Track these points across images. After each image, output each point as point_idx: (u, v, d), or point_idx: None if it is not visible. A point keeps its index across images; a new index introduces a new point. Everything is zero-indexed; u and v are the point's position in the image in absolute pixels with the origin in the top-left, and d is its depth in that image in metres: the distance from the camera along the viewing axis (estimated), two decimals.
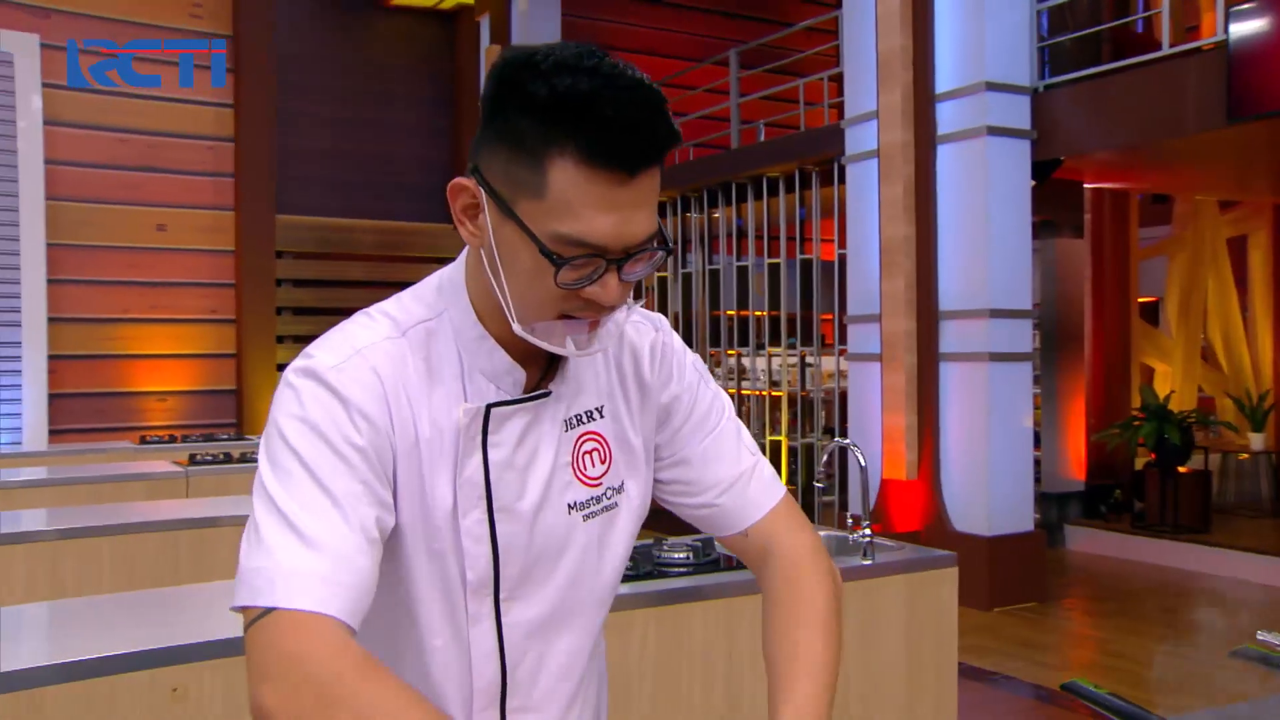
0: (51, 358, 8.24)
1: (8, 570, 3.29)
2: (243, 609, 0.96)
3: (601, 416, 1.19)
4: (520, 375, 1.12)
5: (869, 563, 3.12)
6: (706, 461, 1.25)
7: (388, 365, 1.06)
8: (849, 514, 3.29)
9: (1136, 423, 8.11)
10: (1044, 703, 4.81)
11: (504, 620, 1.13)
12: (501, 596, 1.12)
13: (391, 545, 1.07)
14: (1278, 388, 9.61)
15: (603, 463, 1.18)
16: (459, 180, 1.04)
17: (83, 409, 8.50)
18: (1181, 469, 7.96)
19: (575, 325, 1.04)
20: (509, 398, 1.11)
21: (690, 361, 1.28)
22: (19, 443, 7.83)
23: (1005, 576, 6.45)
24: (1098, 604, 6.79)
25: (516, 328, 1.04)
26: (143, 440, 6.95)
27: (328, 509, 0.98)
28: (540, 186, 0.97)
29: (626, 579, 2.77)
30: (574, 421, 1.16)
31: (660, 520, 1.46)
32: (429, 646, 1.12)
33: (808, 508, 8.31)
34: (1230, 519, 8.49)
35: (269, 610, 0.94)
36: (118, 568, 3.44)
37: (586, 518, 1.16)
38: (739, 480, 1.25)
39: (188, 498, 4.93)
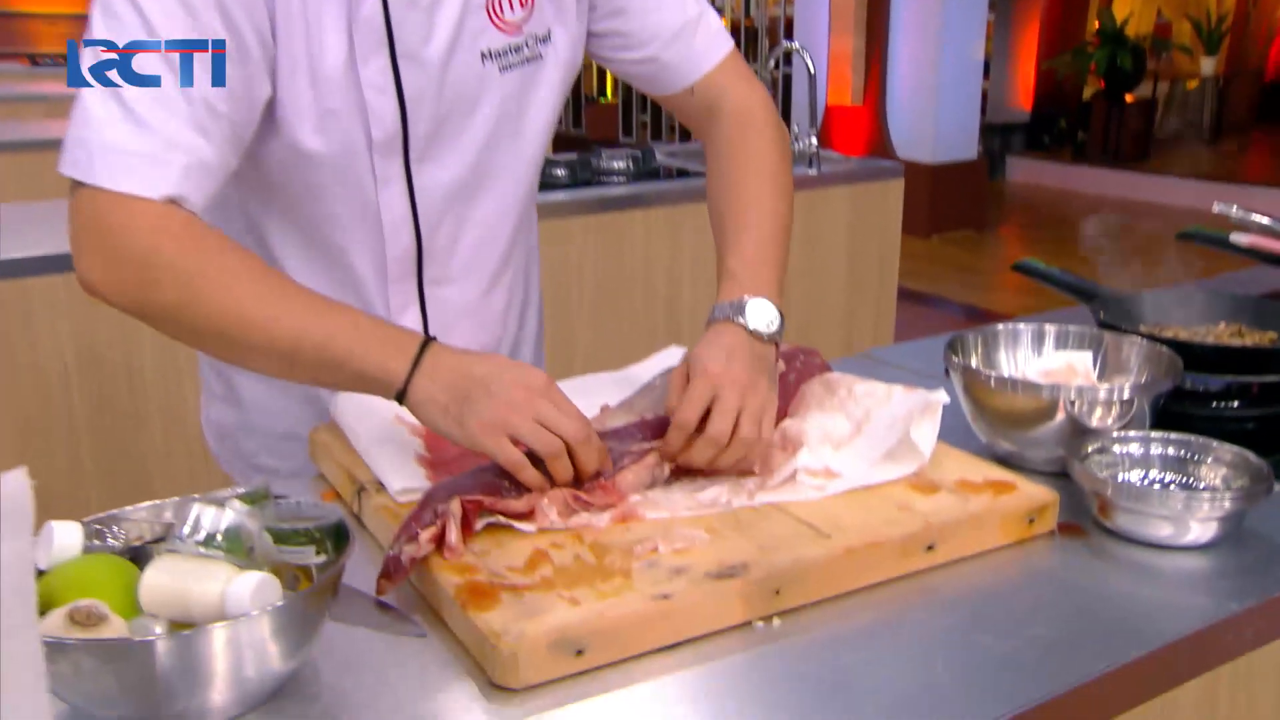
0: None
1: None
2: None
3: None
4: None
5: (814, 173, 3.06)
6: (647, 10, 1.12)
7: None
8: (794, 128, 3.19)
9: (1090, 49, 7.94)
10: (976, 319, 4.99)
11: (415, 183, 1.05)
12: (412, 157, 1.03)
13: (274, 109, 0.96)
14: (1238, 8, 9.39)
15: (523, 6, 1.04)
16: None
17: None
18: (1129, 97, 7.90)
19: None
20: None
21: None
22: None
23: (946, 204, 6.52)
24: (1034, 230, 6.94)
25: None
26: (33, 61, 6.49)
27: (161, 71, 0.87)
28: None
29: (564, 186, 2.69)
30: None
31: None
32: (332, 215, 1.04)
33: None
34: (1170, 147, 8.56)
35: (91, 185, 0.87)
36: (16, 182, 3.31)
37: (504, 69, 1.05)
38: (683, 31, 1.14)
39: None
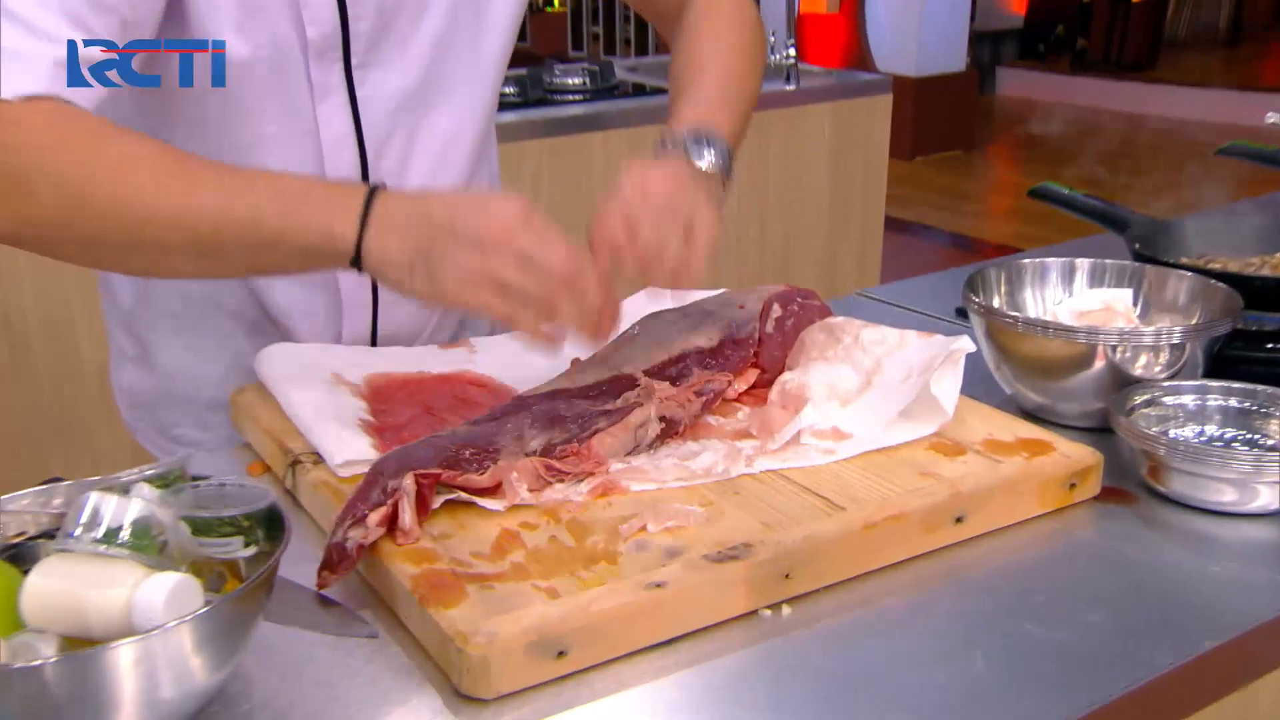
0: None
1: None
2: None
3: None
4: None
5: (792, 88, 3.00)
6: None
7: None
8: (770, 34, 3.12)
9: None
10: (964, 250, 4.98)
11: (359, 93, 0.98)
12: (354, 62, 0.97)
13: (183, 6, 0.89)
14: None
15: None
16: None
17: None
18: None
19: None
20: None
21: None
22: None
23: (931, 122, 6.48)
24: (1029, 150, 6.93)
25: None
26: None
27: None
28: None
29: (513, 105, 2.61)
30: None
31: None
32: (262, 136, 0.97)
33: None
34: (1180, 53, 8.54)
35: None
36: None
37: None
38: None
39: None
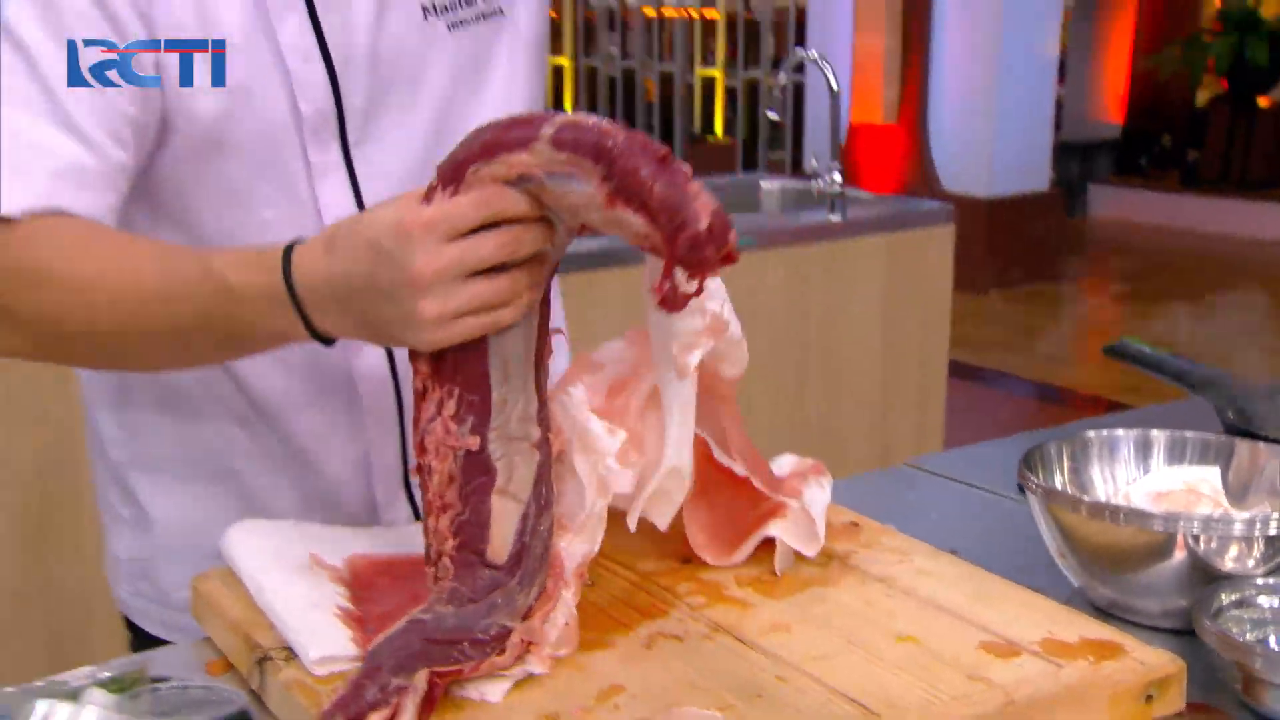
0: None
1: None
2: None
3: None
4: None
5: (838, 219, 3.13)
6: None
7: None
8: (810, 157, 3.28)
9: (1208, 38, 8.04)
10: (1049, 402, 5.06)
11: (359, 171, 1.11)
12: (351, 139, 1.09)
13: (169, 109, 1.04)
14: None
15: None
16: None
17: None
18: (1262, 101, 7.99)
19: None
20: None
21: None
22: None
23: (1008, 251, 6.62)
24: (1128, 283, 7.05)
25: None
26: None
27: (23, 79, 0.98)
28: None
29: None
30: None
31: None
32: (263, 221, 1.09)
33: (751, 162, 8.31)
34: None
35: None
36: None
37: (453, 26, 1.12)
38: None
39: None
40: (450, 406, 0.93)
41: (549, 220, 0.90)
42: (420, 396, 0.94)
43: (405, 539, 1.12)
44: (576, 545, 0.96)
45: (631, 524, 1.00)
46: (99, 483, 1.27)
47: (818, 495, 1.07)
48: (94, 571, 1.34)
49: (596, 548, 0.96)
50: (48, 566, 2.19)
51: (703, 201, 0.83)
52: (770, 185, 3.54)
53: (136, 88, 1.02)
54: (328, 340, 0.93)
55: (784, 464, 1.12)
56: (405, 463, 1.20)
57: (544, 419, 0.96)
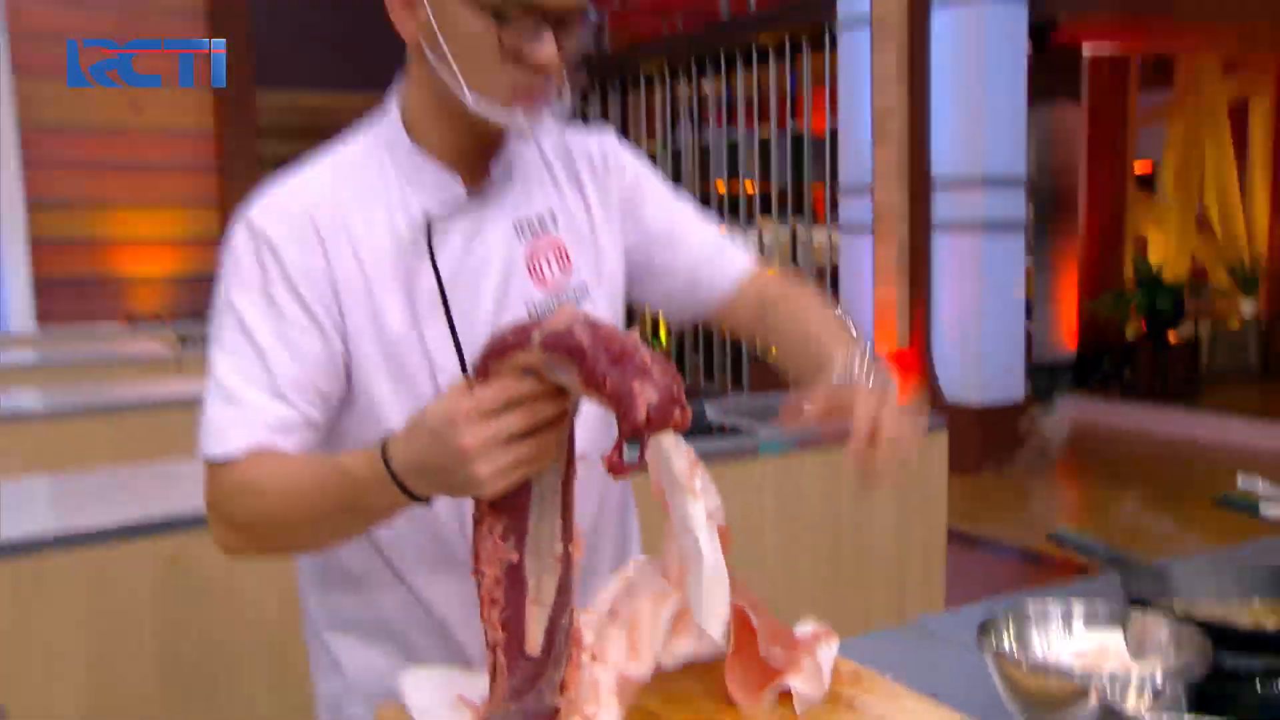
0: (35, 241, 8.15)
1: (7, 448, 3.32)
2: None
3: (554, 221, 1.21)
4: (457, 187, 1.15)
5: None
6: (681, 235, 1.32)
7: (316, 200, 1.11)
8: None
9: (1128, 292, 8.14)
10: (1029, 563, 4.94)
11: None
12: None
13: (350, 372, 1.12)
14: (1272, 255, 9.60)
15: (561, 268, 1.20)
16: None
17: (68, 293, 8.45)
18: (1172, 338, 8.02)
19: (522, 94, 1.08)
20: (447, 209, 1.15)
21: (638, 168, 1.33)
22: (4, 329, 7.80)
23: (994, 444, 6.55)
24: (1085, 468, 6.92)
25: (468, 99, 1.08)
26: (131, 322, 6.93)
27: (250, 360, 1.07)
28: None
29: None
30: (524, 227, 1.19)
31: None
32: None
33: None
34: (1219, 386, 8.58)
35: (208, 459, 1.08)
36: (114, 445, 3.48)
37: None
38: (717, 247, 1.33)
39: (180, 376, 4.95)
40: (499, 529, 0.96)
41: (561, 388, 0.91)
42: (478, 522, 0.97)
43: None
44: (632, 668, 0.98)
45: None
46: (307, 636, 1.31)
47: (826, 654, 1.09)
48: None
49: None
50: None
51: (645, 395, 0.84)
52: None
53: (329, 370, 1.10)
54: (425, 500, 0.97)
55: (804, 629, 1.14)
56: None
57: (567, 534, 0.97)
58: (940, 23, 6.59)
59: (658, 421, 0.84)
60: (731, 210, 9.16)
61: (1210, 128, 9.36)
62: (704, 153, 9.33)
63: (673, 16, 10.05)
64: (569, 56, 1.10)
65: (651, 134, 9.92)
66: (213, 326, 1.11)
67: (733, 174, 9.09)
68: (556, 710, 0.94)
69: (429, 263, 1.13)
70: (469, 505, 1.16)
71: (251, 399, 1.06)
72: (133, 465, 2.64)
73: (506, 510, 0.96)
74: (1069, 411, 8.27)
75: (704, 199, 9.34)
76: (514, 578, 0.96)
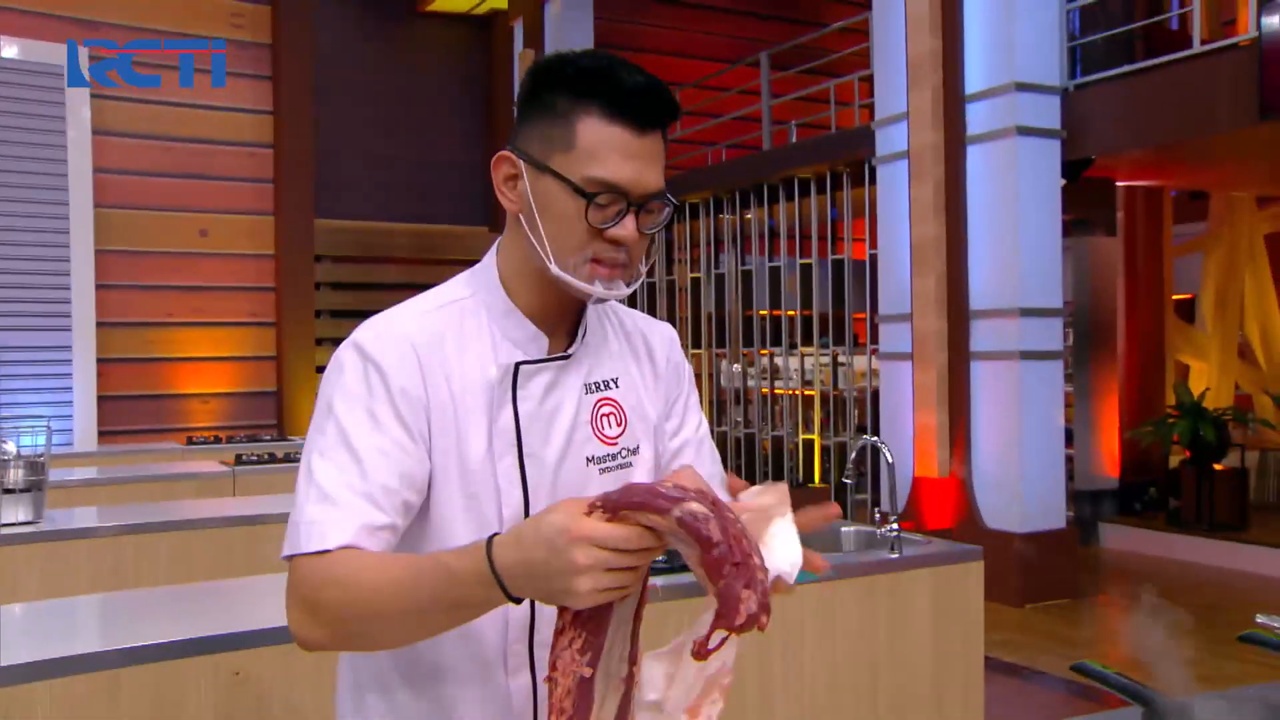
0: (100, 361, 8.47)
1: (73, 564, 3.45)
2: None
3: (617, 387, 1.36)
4: (544, 342, 1.31)
5: (896, 556, 3.20)
6: (678, 426, 1.45)
7: (421, 335, 1.25)
8: (878, 510, 3.37)
9: (1171, 420, 8.11)
10: (1074, 695, 4.86)
11: None
12: None
13: (430, 492, 1.24)
14: None
15: (618, 426, 1.34)
16: (501, 153, 1.27)
17: (130, 410, 8.74)
18: (1217, 466, 7.95)
19: (602, 269, 1.23)
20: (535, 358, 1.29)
21: (689, 372, 1.48)
22: (69, 444, 8.06)
23: (1037, 573, 6.49)
24: (1130, 600, 6.81)
25: (554, 268, 1.23)
26: (190, 441, 7.15)
27: (350, 467, 1.18)
28: (570, 140, 1.20)
29: (661, 571, 2.87)
30: (593, 387, 1.34)
31: None
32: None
33: (840, 502, 8.36)
34: (1269, 516, 8.46)
35: (294, 556, 1.16)
36: (175, 562, 3.60)
37: (603, 471, 1.31)
38: (697, 446, 1.45)
39: (234, 496, 5.10)
40: (578, 643, 1.03)
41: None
42: (559, 633, 1.04)
43: None
44: None
45: None
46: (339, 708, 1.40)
47: None
48: None
49: None
50: None
51: (748, 605, 0.93)
52: (848, 530, 3.60)
53: (417, 484, 1.22)
54: (518, 600, 1.04)
55: None
56: None
57: (633, 657, 1.06)
58: (974, 157, 6.79)
59: (747, 628, 0.94)
60: (774, 336, 9.32)
61: (1248, 259, 9.43)
62: (746, 279, 9.54)
63: (717, 148, 10.41)
64: (646, 235, 1.25)
65: (695, 260, 10.17)
66: (312, 435, 1.23)
67: (775, 301, 9.28)
68: None
69: (511, 405, 1.27)
70: (511, 621, 1.27)
71: (348, 501, 1.16)
72: (192, 583, 2.75)
73: (589, 626, 1.04)
74: (1116, 540, 8.17)
75: (747, 325, 9.52)
76: (584, 691, 1.03)
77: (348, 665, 1.38)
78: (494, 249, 1.34)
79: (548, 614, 1.27)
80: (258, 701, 2.19)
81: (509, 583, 1.03)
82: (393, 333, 1.25)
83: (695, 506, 0.97)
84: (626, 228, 1.21)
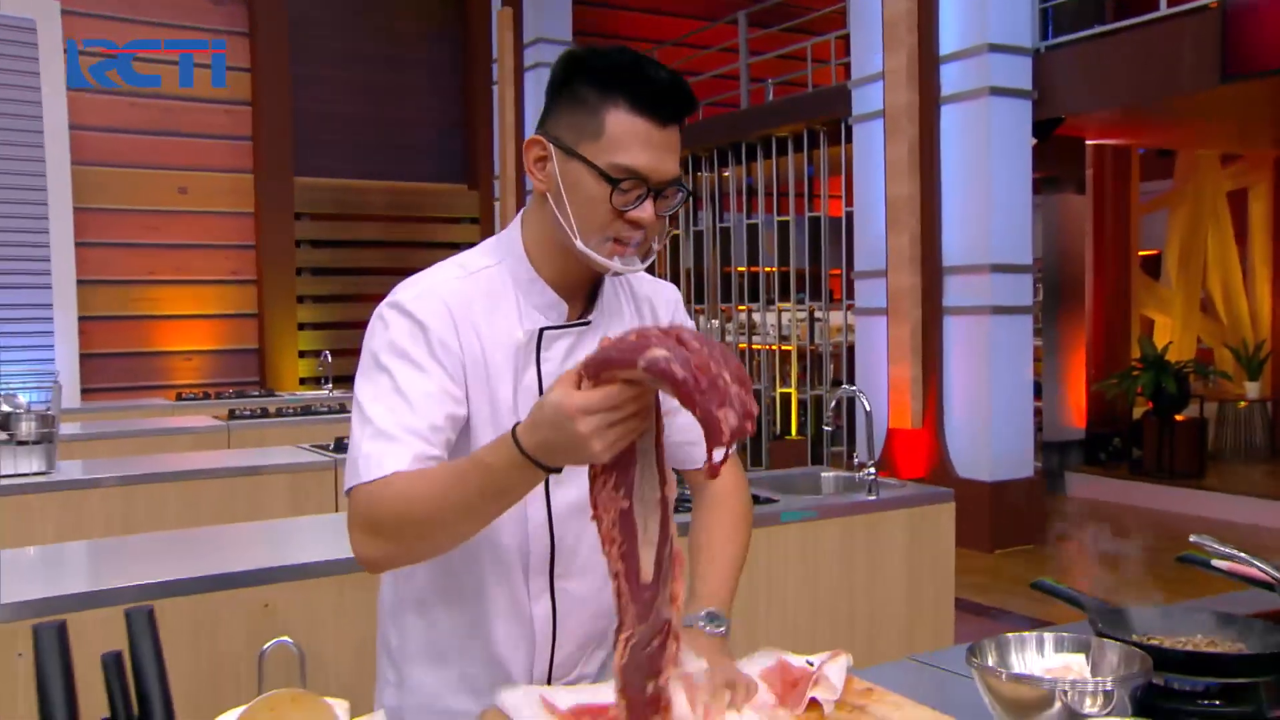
0: (81, 319, 8.53)
1: (86, 512, 3.61)
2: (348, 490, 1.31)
3: None
4: (564, 309, 1.42)
5: (873, 498, 3.41)
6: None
7: (455, 299, 1.37)
8: (855, 458, 3.57)
9: (1135, 373, 8.37)
10: (1038, 629, 5.12)
11: (553, 499, 1.42)
12: (551, 481, 1.38)
13: (464, 440, 1.38)
14: (1275, 338, 9.86)
15: None
16: (533, 137, 1.38)
17: (113, 368, 8.82)
18: (1178, 417, 8.23)
19: (621, 247, 1.35)
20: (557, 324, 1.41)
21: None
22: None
23: (1005, 520, 6.75)
24: (1092, 545, 7.09)
25: (579, 244, 1.34)
26: (179, 397, 7.25)
27: (401, 407, 1.30)
28: (598, 130, 1.31)
29: None
30: None
31: None
32: (496, 521, 1.33)
33: (817, 454, 8.60)
34: (1226, 465, 8.79)
35: (355, 486, 1.28)
36: (184, 509, 3.75)
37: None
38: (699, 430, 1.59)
39: (229, 449, 5.23)
40: (611, 482, 1.14)
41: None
42: (593, 479, 1.15)
43: (600, 694, 1.34)
44: None
45: None
46: (379, 658, 1.56)
47: (838, 670, 1.35)
48: None
49: None
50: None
51: (728, 422, 1.01)
52: (828, 475, 3.79)
53: (455, 424, 1.36)
54: (555, 470, 1.15)
55: (823, 654, 1.40)
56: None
57: (662, 480, 1.15)
58: (948, 117, 6.96)
59: (735, 438, 1.03)
60: (751, 292, 9.49)
61: (1211, 216, 9.69)
62: (725, 236, 9.69)
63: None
64: (663, 217, 1.37)
65: (674, 218, 10.29)
66: (360, 384, 1.35)
67: (752, 258, 9.43)
68: (669, 621, 1.14)
69: (535, 366, 1.40)
70: (533, 554, 1.44)
71: (401, 436, 1.29)
72: (214, 526, 2.91)
73: (616, 467, 1.14)
74: (1081, 488, 8.47)
75: (725, 281, 9.68)
76: (626, 520, 1.14)
77: (390, 589, 1.54)
78: (517, 221, 1.45)
79: (565, 550, 1.46)
80: (284, 630, 2.36)
81: (541, 459, 1.14)
82: (431, 292, 1.37)
83: (657, 352, 1.03)
84: (646, 211, 1.33)
